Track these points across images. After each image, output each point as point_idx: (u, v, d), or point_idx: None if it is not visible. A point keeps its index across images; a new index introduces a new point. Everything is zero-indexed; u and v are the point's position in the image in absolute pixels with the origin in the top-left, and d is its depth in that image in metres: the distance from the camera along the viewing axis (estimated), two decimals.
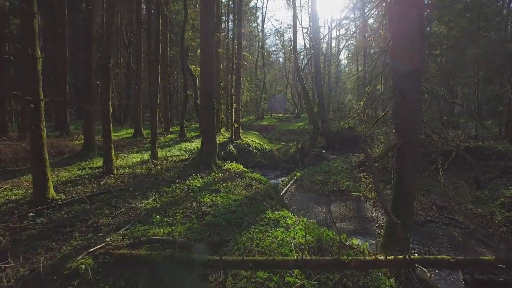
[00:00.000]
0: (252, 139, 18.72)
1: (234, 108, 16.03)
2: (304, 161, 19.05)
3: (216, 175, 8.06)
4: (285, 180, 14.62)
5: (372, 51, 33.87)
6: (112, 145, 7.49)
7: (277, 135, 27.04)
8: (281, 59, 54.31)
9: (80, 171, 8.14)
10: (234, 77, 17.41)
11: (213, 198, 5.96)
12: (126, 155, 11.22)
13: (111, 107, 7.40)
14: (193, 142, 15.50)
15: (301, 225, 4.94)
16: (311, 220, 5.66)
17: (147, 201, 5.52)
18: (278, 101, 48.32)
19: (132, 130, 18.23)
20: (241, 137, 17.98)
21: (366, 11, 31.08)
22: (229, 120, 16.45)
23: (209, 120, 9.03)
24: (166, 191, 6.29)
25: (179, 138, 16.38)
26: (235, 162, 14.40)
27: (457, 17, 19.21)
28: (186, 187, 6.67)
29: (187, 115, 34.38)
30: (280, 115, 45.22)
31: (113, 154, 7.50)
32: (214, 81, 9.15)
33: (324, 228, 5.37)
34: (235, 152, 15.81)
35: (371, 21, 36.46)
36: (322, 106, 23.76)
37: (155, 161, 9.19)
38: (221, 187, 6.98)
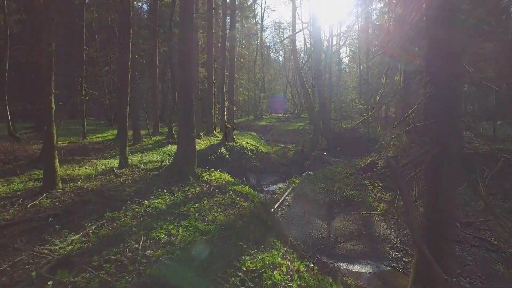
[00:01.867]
0: (247, 141, 16.89)
1: (226, 107, 14.22)
2: (303, 165, 17.22)
3: (191, 189, 6.24)
4: (282, 187, 12.77)
5: (374, 49, 31.93)
6: (56, 153, 5.68)
7: (276, 136, 25.16)
8: (281, 58, 52.53)
9: (22, 184, 6.35)
10: (227, 74, 15.59)
11: (173, 230, 4.14)
12: (96, 161, 9.43)
13: (53, 103, 5.60)
14: None
15: (296, 282, 3.13)
16: (311, 265, 3.83)
17: (73, 238, 3.72)
18: (278, 101, 46.42)
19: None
20: (235, 139, 16.16)
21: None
22: (225, 121, 14.65)
23: (187, 120, 7.21)
24: (112, 217, 4.47)
25: (166, 140, 14.58)
26: (221, 170, 12.58)
27: (464, 14, 17.27)
28: (143, 210, 4.85)
29: None
30: (280, 115, 43.35)
31: (56, 164, 5.70)
32: (193, 72, 7.34)
33: (330, 281, 3.54)
34: (227, 156, 14.00)
35: (373, 17, 34.61)
36: (323, 105, 21.88)
37: (121, 171, 7.38)
38: (191, 208, 5.15)
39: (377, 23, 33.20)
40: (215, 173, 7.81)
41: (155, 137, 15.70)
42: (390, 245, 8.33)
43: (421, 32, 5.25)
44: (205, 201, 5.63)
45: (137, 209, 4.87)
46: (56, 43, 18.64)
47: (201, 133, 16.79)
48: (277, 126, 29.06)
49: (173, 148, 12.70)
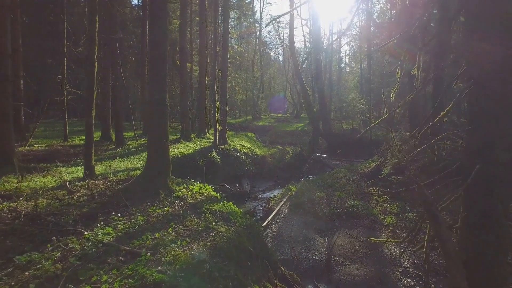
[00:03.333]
0: (241, 143, 15.58)
1: (218, 107, 12.91)
2: (302, 169, 15.92)
3: (157, 210, 4.93)
4: (278, 195, 11.46)
5: (374, 48, 30.48)
6: None
7: (273, 137, 23.81)
8: (280, 57, 51.21)
9: None
10: (220, 71, 14.27)
11: (105, 286, 2.85)
12: (63, 169, 8.15)
13: None
14: None
15: None
16: None
17: None
18: (277, 101, 45.08)
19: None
20: (228, 141, 14.84)
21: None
22: (217, 122, 13.33)
23: (158, 124, 5.90)
24: (27, 262, 3.17)
25: None
26: (212, 176, 11.32)
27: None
28: (79, 246, 3.55)
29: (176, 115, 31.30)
30: (279, 115, 42.03)
31: None
32: (165, 67, 6.03)
33: None
34: (218, 160, 12.68)
35: (374, 15, 33.21)
36: (323, 105, 20.52)
37: (81, 184, 6.09)
38: (148, 241, 3.84)
39: (378, 22, 31.80)
40: (194, 185, 6.49)
41: (142, 140, 14.42)
42: (400, 269, 6.98)
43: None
44: (171, 229, 4.31)
45: (71, 245, 3.57)
46: (39, 39, 17.21)
47: (192, 135, 15.51)
48: (275, 127, 27.74)
49: None
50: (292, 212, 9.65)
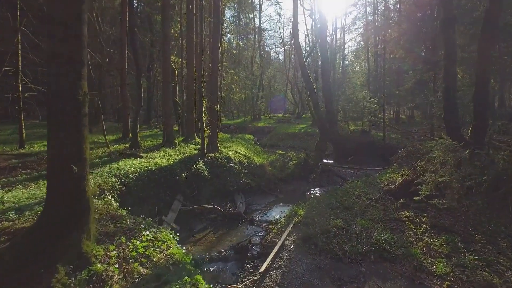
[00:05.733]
0: (236, 149, 12.73)
1: (205, 107, 10.09)
2: (308, 180, 13.11)
3: None
4: (281, 221, 8.57)
5: (380, 46, 27.62)
6: None
7: (274, 139, 20.90)
8: (281, 57, 48.37)
9: None
10: (210, 66, 11.45)
11: None
12: None
13: None
14: (142, 157, 9.57)
15: None
16: None
17: None
18: (278, 101, 42.25)
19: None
20: (220, 148, 12.01)
21: None
22: (204, 125, 10.51)
23: (64, 135, 3.11)
24: None
25: (126, 151, 10.46)
26: (196, 195, 8.57)
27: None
28: None
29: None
30: (280, 115, 39.16)
31: None
32: (81, 29, 3.22)
33: None
34: (206, 172, 9.85)
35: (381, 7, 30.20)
36: (330, 104, 17.60)
37: None
38: None
39: (384, 17, 28.87)
40: (140, 240, 3.64)
41: (116, 146, 11.61)
42: None
43: None
44: None
45: None
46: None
47: (178, 140, 12.71)
48: (276, 128, 24.84)
49: (125, 165, 8.55)
50: (300, 250, 6.81)
